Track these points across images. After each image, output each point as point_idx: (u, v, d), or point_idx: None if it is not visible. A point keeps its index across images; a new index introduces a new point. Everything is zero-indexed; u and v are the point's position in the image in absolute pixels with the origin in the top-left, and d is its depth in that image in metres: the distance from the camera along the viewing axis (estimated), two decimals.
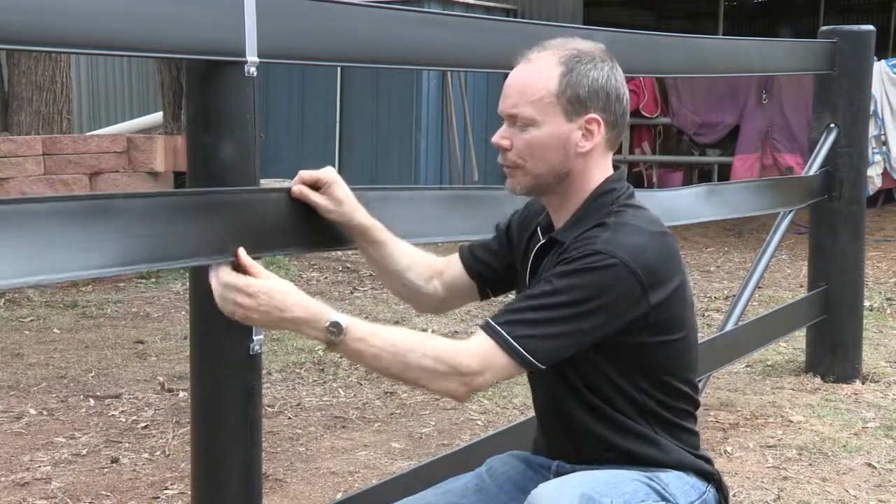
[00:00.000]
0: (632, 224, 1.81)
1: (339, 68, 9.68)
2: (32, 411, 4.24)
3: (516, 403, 4.33)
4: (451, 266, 2.08)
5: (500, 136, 1.85)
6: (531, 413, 2.59)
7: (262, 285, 1.69)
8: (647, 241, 1.79)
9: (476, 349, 1.73)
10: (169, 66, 8.00)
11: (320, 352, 5.16)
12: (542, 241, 1.90)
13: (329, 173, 1.99)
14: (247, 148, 1.87)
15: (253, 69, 1.85)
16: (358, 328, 1.71)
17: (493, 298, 2.12)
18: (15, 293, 6.71)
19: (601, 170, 1.87)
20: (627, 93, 1.87)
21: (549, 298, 1.74)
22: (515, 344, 1.73)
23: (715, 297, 6.52)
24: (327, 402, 4.39)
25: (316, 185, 1.96)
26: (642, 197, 1.95)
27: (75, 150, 7.20)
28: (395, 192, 2.39)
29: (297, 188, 1.93)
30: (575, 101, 1.80)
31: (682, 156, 11.54)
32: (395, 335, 1.75)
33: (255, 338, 1.92)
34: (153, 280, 7.24)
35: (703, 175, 12.52)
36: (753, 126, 10.05)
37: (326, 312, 1.71)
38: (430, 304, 2.11)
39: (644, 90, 10.77)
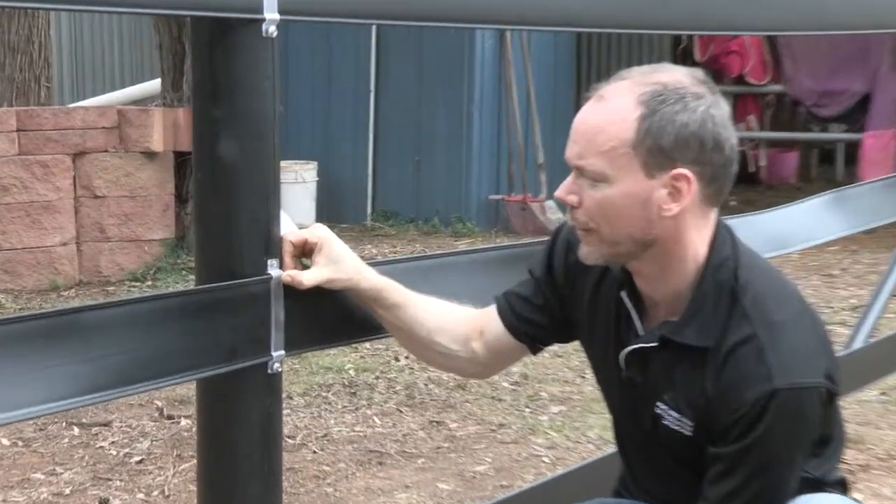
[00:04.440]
0: (781, 320, 1.80)
1: (373, 27, 9.71)
2: (5, 441, 4.32)
3: (591, 437, 4.32)
4: (492, 324, 2.08)
5: (567, 190, 1.83)
6: (609, 448, 2.58)
7: None
8: (810, 335, 1.82)
9: None
10: (168, 24, 8.08)
11: (351, 371, 5.20)
12: (654, 344, 1.87)
13: (319, 231, 1.98)
14: (265, 124, 1.88)
15: (272, 28, 1.86)
16: None
17: None
18: None
19: (701, 233, 1.83)
20: (732, 136, 1.80)
21: (766, 475, 1.78)
22: None
23: (839, 308, 6.45)
24: (360, 433, 4.42)
25: (306, 250, 1.97)
26: (745, 227, 1.93)
27: (56, 125, 7.31)
28: (446, 258, 2.38)
29: (288, 275, 1.92)
30: (657, 152, 1.75)
31: (797, 132, 11.42)
32: None
33: (273, 353, 1.94)
34: (149, 283, 7.33)
35: (824, 156, 12.37)
36: (888, 95, 9.91)
37: None
38: (471, 369, 2.13)
39: (750, 51, 10.67)
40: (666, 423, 1.86)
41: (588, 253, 1.86)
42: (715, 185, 1.81)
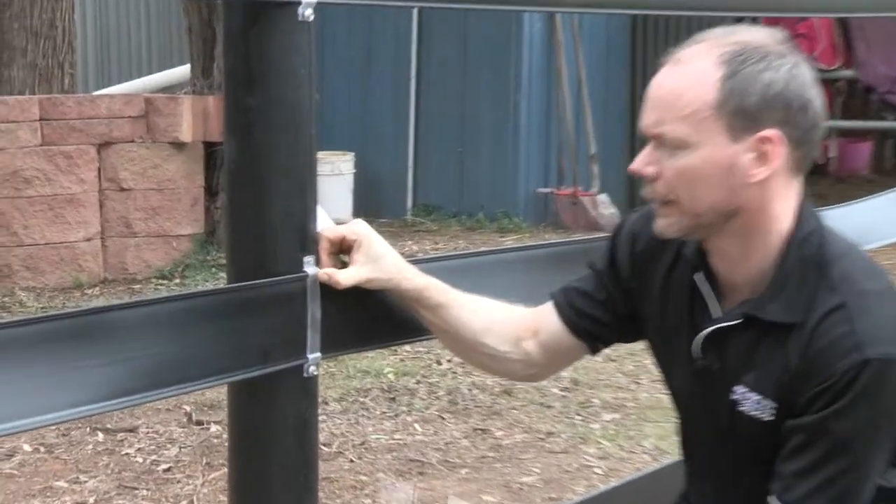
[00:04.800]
0: (872, 290, 1.80)
1: (415, 10, 9.74)
2: (27, 447, 4.36)
3: (647, 447, 4.31)
4: (547, 322, 2.08)
5: (644, 162, 1.82)
6: (667, 459, 2.59)
7: None
8: None
9: None
10: (198, 7, 8.13)
11: (391, 375, 5.21)
12: (736, 322, 1.85)
13: (358, 228, 1.99)
14: (300, 113, 1.89)
15: (309, 11, 1.87)
16: None
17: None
18: (4, 297, 6.90)
19: (786, 204, 1.83)
20: (817, 97, 1.80)
21: (846, 453, 1.76)
22: None
23: None
24: (400, 441, 4.43)
25: (344, 247, 1.98)
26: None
27: (80, 114, 7.38)
28: (492, 256, 2.38)
29: (325, 273, 1.93)
30: (741, 114, 1.75)
31: (870, 120, 11.32)
32: None
33: (309, 355, 1.94)
34: (177, 281, 7.38)
35: None
36: None
37: None
38: (523, 371, 2.13)
39: (819, 34, 10.58)
40: (744, 408, 1.85)
41: (666, 226, 1.86)
42: (802, 150, 1.81)
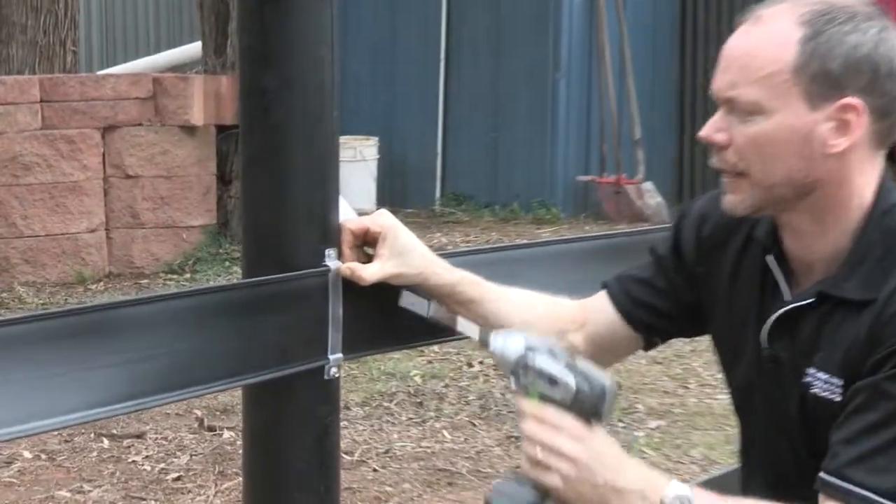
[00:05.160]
0: None
1: None
2: (27, 454, 4.38)
3: (695, 456, 4.30)
4: (597, 313, 2.08)
5: (714, 128, 1.82)
6: (716, 468, 2.58)
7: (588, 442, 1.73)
8: None
9: None
10: None
11: (418, 378, 5.22)
12: (809, 301, 1.84)
13: (382, 219, 2.00)
14: (322, 95, 1.90)
15: None
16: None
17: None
18: (2, 292, 6.95)
19: (867, 179, 1.82)
20: None
21: None
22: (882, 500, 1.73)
23: None
24: (427, 450, 4.43)
25: (368, 239, 1.99)
26: None
27: (84, 95, 7.41)
28: (527, 249, 2.37)
29: (347, 267, 1.95)
30: (822, 79, 1.75)
31: None
32: None
33: (330, 356, 1.95)
34: (187, 275, 7.40)
35: None
36: None
37: (663, 481, 1.74)
38: None
39: (887, 6, 10.52)
40: (815, 391, 1.84)
41: (737, 202, 1.85)
42: (887, 121, 1.80)
